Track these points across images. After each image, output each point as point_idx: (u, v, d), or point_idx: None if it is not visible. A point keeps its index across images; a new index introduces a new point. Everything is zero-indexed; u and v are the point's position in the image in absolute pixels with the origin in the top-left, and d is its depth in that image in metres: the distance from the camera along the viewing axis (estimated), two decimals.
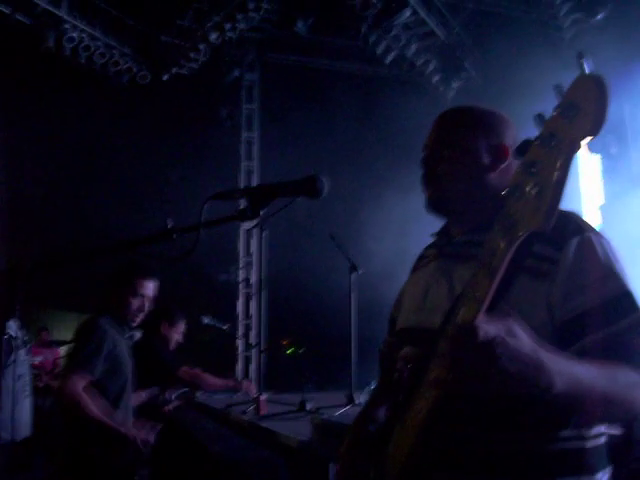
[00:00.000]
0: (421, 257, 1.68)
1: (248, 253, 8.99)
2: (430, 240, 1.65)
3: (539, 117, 1.04)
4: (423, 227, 1.68)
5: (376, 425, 1.50)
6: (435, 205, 1.49)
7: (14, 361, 3.60)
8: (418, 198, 1.54)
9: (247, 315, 8.81)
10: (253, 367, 8.24)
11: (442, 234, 1.58)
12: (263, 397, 3.67)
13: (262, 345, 4.72)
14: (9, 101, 6.99)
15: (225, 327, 4.40)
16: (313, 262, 6.24)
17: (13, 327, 3.66)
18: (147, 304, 3.11)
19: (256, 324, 8.36)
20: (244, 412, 3.62)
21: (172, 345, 4.21)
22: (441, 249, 1.54)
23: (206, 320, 4.17)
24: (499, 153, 1.43)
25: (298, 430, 2.84)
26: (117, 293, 3.06)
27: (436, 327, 1.29)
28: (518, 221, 1.03)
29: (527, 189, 1.01)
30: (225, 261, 8.74)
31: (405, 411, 1.27)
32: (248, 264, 8.94)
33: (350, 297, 3.86)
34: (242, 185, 9.13)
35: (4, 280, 1.23)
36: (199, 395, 4.23)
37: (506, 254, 1.05)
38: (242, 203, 1.39)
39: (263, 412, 3.57)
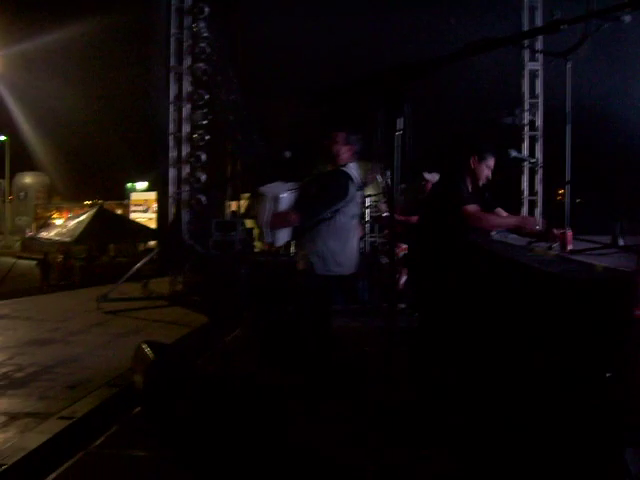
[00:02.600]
0: None
1: (533, 95, 8.47)
2: None
3: None
4: None
5: None
6: None
7: (352, 200, 3.68)
8: None
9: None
10: (539, 211, 8.06)
11: None
12: (569, 232, 3.59)
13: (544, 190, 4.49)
14: None
15: (533, 160, 4.28)
16: (617, 95, 5.66)
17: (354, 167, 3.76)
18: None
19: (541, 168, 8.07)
20: (550, 247, 3.59)
21: (481, 181, 4.08)
22: None
23: (514, 153, 4.07)
24: None
25: (615, 263, 2.74)
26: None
27: None
28: None
29: None
30: (509, 104, 8.36)
31: None
32: (533, 106, 8.44)
33: None
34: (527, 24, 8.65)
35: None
36: (494, 234, 4.12)
37: None
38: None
39: (569, 247, 3.52)
